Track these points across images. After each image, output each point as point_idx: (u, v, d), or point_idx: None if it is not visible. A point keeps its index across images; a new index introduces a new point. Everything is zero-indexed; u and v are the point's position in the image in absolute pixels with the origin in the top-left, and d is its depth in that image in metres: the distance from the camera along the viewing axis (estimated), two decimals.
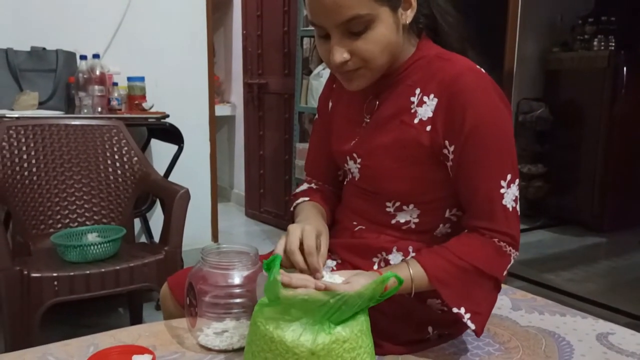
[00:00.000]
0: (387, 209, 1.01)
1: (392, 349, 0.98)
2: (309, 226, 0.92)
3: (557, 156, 4.07)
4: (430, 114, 0.94)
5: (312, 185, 1.18)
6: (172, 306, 1.13)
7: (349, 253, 1.06)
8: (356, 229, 1.06)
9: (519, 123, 4.01)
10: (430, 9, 1.00)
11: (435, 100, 0.93)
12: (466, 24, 1.04)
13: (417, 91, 0.96)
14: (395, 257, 1.01)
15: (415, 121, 0.95)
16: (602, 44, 3.81)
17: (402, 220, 1.01)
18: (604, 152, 3.79)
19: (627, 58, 3.68)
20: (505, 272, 0.96)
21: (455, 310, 0.91)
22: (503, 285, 1.35)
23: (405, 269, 0.91)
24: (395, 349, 0.98)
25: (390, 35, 0.91)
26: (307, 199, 1.11)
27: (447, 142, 0.93)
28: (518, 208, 0.95)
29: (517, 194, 0.95)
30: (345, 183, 1.14)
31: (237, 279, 0.97)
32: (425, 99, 0.95)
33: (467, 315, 0.92)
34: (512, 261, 0.96)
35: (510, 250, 0.94)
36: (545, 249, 3.56)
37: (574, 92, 3.96)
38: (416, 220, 1.01)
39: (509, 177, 0.93)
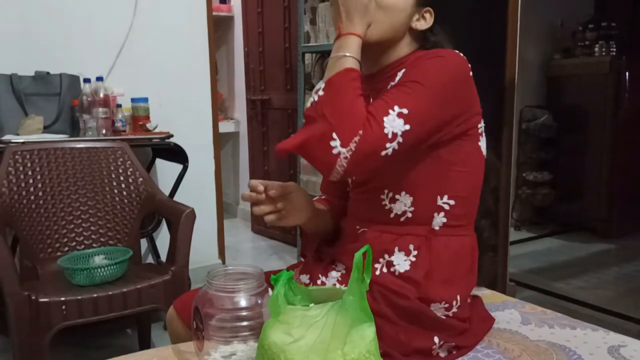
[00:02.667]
0: (383, 202, 1.07)
1: None
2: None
3: (563, 163, 4.05)
4: None
5: (322, 197, 1.27)
6: (179, 329, 1.13)
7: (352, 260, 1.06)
8: (359, 231, 1.10)
9: (522, 130, 4.01)
10: (435, 35, 1.12)
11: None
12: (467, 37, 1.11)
13: (400, 73, 1.03)
14: (397, 258, 1.04)
15: None
16: (604, 49, 3.81)
17: (399, 212, 1.06)
18: (609, 157, 3.77)
19: (629, 63, 3.68)
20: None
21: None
22: (511, 299, 1.35)
23: None
24: None
25: (401, 21, 1.06)
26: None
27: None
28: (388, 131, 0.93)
29: (402, 128, 0.93)
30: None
31: (243, 301, 0.97)
32: (399, 74, 1.03)
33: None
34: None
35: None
36: (554, 256, 3.54)
37: (577, 98, 3.95)
38: (411, 209, 1.05)
39: (405, 111, 0.93)
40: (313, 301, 0.91)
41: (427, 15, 1.09)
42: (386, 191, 1.06)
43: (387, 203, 1.07)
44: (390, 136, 0.91)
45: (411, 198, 1.05)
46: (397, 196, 1.05)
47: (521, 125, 4.01)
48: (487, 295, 1.35)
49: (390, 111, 0.92)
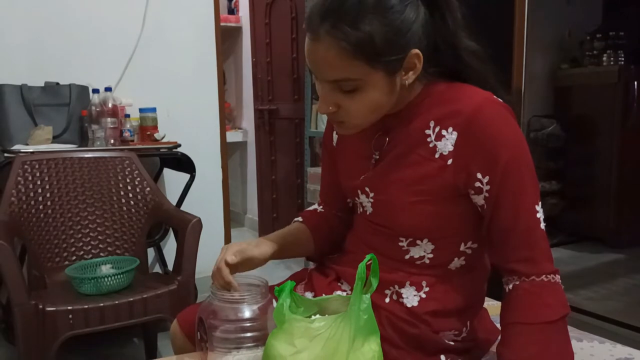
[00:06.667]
0: (400, 244, 0.99)
1: None
2: (236, 247, 1.04)
3: (571, 172, 4.03)
4: (451, 148, 0.91)
5: (319, 208, 1.21)
6: (182, 342, 1.12)
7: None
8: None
9: (530, 140, 3.99)
10: (457, 53, 0.94)
11: (455, 133, 0.90)
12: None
13: (432, 124, 0.93)
14: (407, 291, 0.99)
15: (436, 155, 0.92)
16: (612, 59, 3.80)
17: (416, 256, 0.99)
18: (618, 167, 3.74)
19: (637, 72, 3.66)
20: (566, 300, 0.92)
21: None
22: None
23: None
24: None
25: (381, 98, 0.89)
26: (300, 220, 1.17)
27: (479, 175, 0.90)
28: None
29: (542, 214, 0.93)
30: (356, 215, 1.13)
31: (247, 312, 0.97)
32: (443, 132, 0.92)
33: None
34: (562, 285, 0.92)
35: (554, 278, 0.91)
36: (562, 266, 3.44)
37: (585, 107, 3.94)
38: (430, 256, 0.98)
39: (539, 200, 0.92)
40: (323, 311, 0.92)
41: (415, 62, 0.88)
42: (407, 235, 0.99)
43: (405, 245, 0.99)
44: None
45: (433, 246, 0.98)
46: (418, 241, 0.98)
47: (529, 135, 3.99)
48: (493, 306, 1.34)
49: (539, 217, 0.91)
